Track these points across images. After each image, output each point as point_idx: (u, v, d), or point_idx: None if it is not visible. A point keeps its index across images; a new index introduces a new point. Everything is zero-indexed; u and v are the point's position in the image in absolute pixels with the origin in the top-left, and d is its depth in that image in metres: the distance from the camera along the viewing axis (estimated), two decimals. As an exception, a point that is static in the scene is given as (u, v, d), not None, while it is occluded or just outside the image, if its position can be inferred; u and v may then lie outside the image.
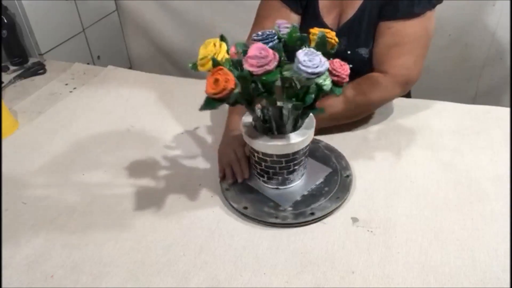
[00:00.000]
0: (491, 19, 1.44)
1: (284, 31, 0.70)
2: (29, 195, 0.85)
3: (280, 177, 0.79)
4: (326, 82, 0.64)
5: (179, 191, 0.84)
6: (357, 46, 0.94)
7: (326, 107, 0.89)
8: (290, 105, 0.70)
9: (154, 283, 0.67)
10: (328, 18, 0.97)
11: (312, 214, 0.75)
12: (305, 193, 0.80)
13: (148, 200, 0.82)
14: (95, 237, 0.75)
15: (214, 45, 0.65)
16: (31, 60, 1.40)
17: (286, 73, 0.64)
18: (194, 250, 0.72)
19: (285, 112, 0.72)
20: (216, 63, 0.64)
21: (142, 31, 1.88)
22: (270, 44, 0.67)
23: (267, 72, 0.63)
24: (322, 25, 0.96)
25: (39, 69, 1.32)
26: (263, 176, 0.80)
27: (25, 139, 1.03)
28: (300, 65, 0.61)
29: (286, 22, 0.71)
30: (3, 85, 1.26)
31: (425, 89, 1.13)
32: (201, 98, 0.66)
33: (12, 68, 1.35)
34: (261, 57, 0.62)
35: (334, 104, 0.90)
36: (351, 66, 0.65)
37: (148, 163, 0.92)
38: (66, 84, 1.26)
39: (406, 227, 0.73)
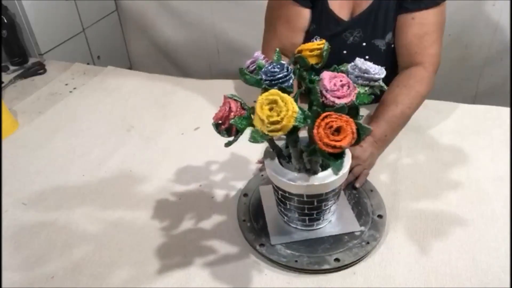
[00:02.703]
0: (491, 19, 1.44)
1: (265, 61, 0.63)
2: (29, 195, 0.85)
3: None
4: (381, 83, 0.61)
5: (179, 192, 0.84)
6: (373, 38, 0.94)
7: (390, 123, 0.87)
8: None
9: (154, 284, 0.67)
10: (340, 10, 0.96)
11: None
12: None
13: (148, 201, 0.82)
14: (95, 238, 0.75)
15: (282, 100, 0.54)
16: (31, 60, 1.40)
17: (361, 89, 0.60)
18: (194, 250, 0.72)
19: None
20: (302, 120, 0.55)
21: (142, 31, 1.87)
22: (292, 76, 0.60)
23: (358, 95, 0.58)
24: (333, 17, 0.96)
25: (39, 69, 1.32)
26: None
27: (25, 139, 1.03)
28: (371, 75, 0.59)
29: (258, 53, 0.64)
30: (3, 85, 1.25)
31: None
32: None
33: (12, 68, 1.35)
34: (343, 84, 0.57)
35: (396, 116, 0.88)
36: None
37: (148, 163, 0.92)
38: (66, 84, 1.26)
39: (406, 227, 0.73)
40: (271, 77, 0.58)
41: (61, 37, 1.56)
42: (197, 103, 1.10)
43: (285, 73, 0.59)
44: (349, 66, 0.61)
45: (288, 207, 0.69)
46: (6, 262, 0.72)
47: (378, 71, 0.60)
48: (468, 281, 0.65)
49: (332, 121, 0.54)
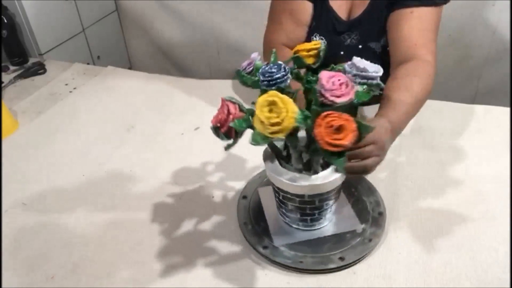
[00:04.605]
0: (491, 19, 1.44)
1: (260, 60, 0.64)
2: (29, 195, 0.85)
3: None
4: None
5: (179, 192, 0.84)
6: (369, 41, 0.94)
7: (406, 113, 0.78)
8: None
9: (154, 284, 0.67)
10: (340, 9, 0.96)
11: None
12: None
13: (148, 201, 0.82)
14: (95, 238, 0.75)
15: (281, 101, 0.54)
16: (31, 60, 1.40)
17: (360, 88, 0.59)
18: (195, 250, 0.72)
19: None
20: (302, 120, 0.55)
21: (142, 31, 1.87)
22: (289, 76, 0.60)
23: (357, 93, 0.57)
24: (333, 15, 0.96)
25: (39, 69, 1.32)
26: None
27: (25, 139, 1.03)
28: (369, 73, 0.58)
29: (255, 55, 0.63)
30: (3, 85, 1.25)
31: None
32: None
33: (12, 68, 1.35)
34: (341, 83, 0.56)
35: (411, 104, 0.79)
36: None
37: (148, 163, 0.92)
38: (66, 84, 1.26)
39: (406, 227, 0.73)
40: (269, 78, 0.58)
41: (61, 37, 1.56)
42: (197, 103, 1.10)
43: (283, 73, 0.59)
44: (346, 65, 0.61)
45: (289, 208, 0.69)
46: (6, 262, 0.72)
47: (375, 69, 0.59)
48: (468, 281, 0.65)
49: (333, 120, 0.54)
